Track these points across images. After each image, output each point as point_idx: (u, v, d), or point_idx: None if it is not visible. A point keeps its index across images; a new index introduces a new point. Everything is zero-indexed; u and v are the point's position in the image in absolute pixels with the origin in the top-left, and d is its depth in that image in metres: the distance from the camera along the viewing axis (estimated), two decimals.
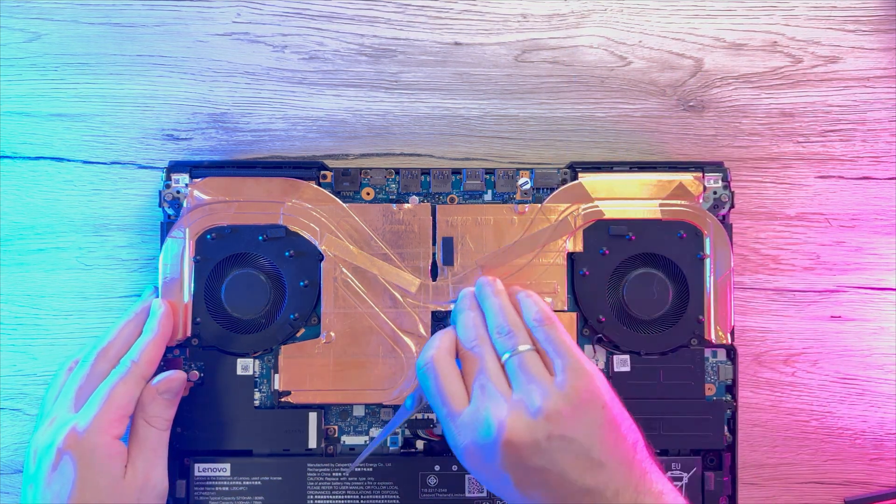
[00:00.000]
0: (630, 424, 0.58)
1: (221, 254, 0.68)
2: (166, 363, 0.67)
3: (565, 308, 0.68)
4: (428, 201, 0.69)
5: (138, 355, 0.64)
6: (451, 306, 0.68)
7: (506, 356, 0.59)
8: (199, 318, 0.68)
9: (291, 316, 0.68)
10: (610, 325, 0.68)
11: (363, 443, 0.69)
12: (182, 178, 0.69)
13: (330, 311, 0.68)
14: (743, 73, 0.73)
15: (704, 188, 0.68)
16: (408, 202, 0.69)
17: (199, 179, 0.68)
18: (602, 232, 0.68)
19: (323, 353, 0.68)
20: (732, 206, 0.69)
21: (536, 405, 0.56)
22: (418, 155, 0.73)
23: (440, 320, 0.68)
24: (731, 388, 0.68)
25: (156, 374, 0.65)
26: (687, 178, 0.68)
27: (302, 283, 0.68)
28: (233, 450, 0.68)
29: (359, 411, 0.69)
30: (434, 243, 0.69)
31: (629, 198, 0.68)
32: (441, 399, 0.59)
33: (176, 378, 0.65)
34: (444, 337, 0.62)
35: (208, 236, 0.68)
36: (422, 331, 0.68)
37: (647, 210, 0.68)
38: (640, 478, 0.56)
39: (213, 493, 0.67)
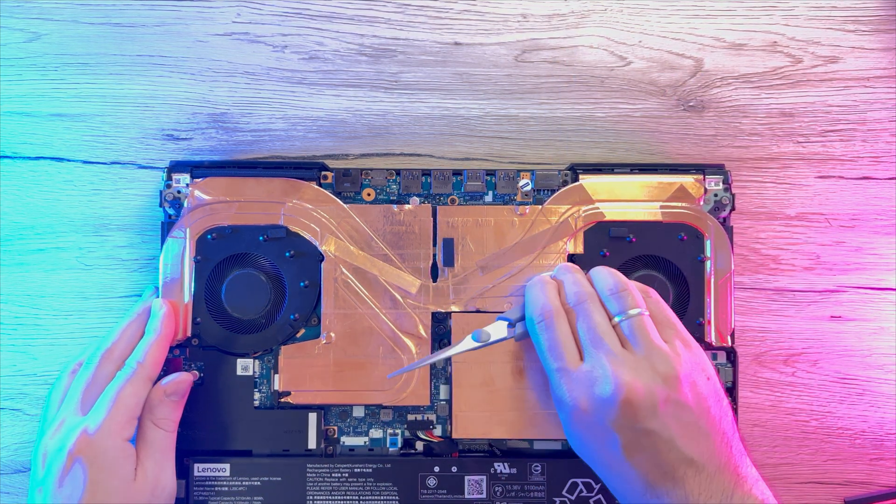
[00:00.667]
0: (727, 402, 0.60)
1: (222, 254, 0.68)
2: (166, 363, 0.67)
3: None
4: (428, 202, 0.69)
5: (143, 356, 0.64)
6: (452, 307, 0.68)
7: (619, 318, 0.60)
8: (200, 319, 0.68)
9: (292, 316, 0.68)
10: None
11: (363, 443, 0.69)
12: (183, 178, 0.69)
13: (330, 311, 0.68)
14: (743, 73, 0.73)
15: (705, 190, 0.69)
16: (408, 203, 0.69)
17: (199, 179, 0.68)
18: (603, 234, 0.68)
19: (323, 353, 0.68)
20: (733, 209, 0.69)
21: (658, 368, 0.57)
22: (418, 155, 0.73)
23: (440, 321, 0.68)
24: (731, 391, 0.68)
25: (160, 375, 0.65)
26: (688, 180, 0.68)
27: (302, 284, 0.68)
28: (232, 450, 0.68)
29: (358, 412, 0.69)
30: (434, 244, 0.69)
31: (630, 200, 0.68)
32: (556, 353, 0.59)
33: (183, 380, 0.65)
34: (551, 291, 0.63)
35: (209, 236, 0.68)
36: (422, 332, 0.68)
37: (648, 212, 0.68)
38: (738, 461, 0.57)
39: (212, 493, 0.67)
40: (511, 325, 0.64)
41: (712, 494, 0.55)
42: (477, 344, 0.63)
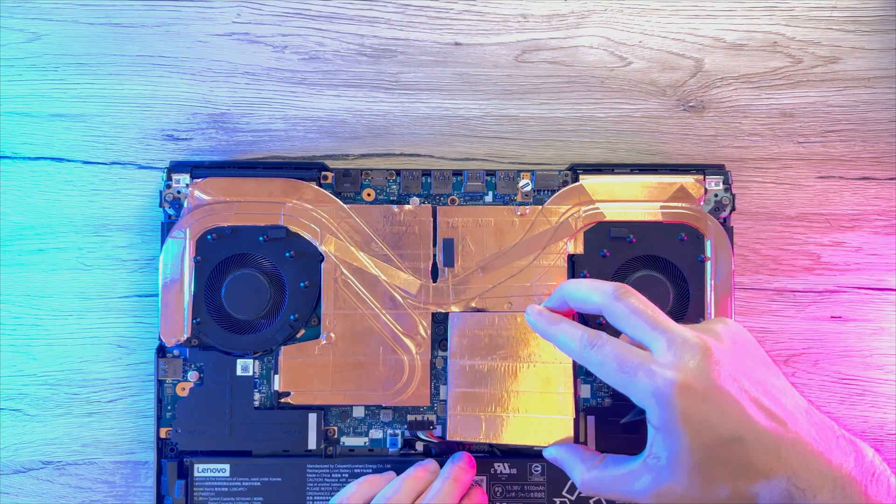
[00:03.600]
0: None
1: (222, 254, 0.68)
2: (165, 364, 0.68)
3: None
4: (428, 202, 0.69)
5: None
6: (452, 307, 0.68)
7: None
8: (199, 319, 0.68)
9: (291, 317, 0.68)
10: (611, 328, 0.67)
11: (363, 444, 0.69)
12: (183, 179, 0.69)
13: (330, 312, 0.68)
14: (743, 73, 0.73)
15: (705, 191, 0.68)
16: (408, 203, 0.69)
17: (199, 180, 0.68)
18: (603, 234, 0.68)
19: (323, 354, 0.68)
20: (733, 209, 0.69)
21: (712, 327, 0.56)
22: (418, 155, 0.73)
23: (440, 322, 0.68)
24: None
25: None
26: (688, 180, 0.68)
27: (302, 284, 0.68)
28: (232, 450, 0.68)
29: (358, 412, 0.69)
30: (435, 245, 0.69)
31: (630, 200, 0.68)
32: (625, 356, 0.55)
33: None
34: (569, 323, 0.59)
35: (209, 237, 0.68)
36: (422, 332, 0.68)
37: (648, 212, 0.68)
38: (808, 401, 0.56)
39: (212, 493, 0.67)
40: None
41: (818, 427, 0.53)
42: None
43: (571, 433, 0.66)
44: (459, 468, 0.65)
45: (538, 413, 0.66)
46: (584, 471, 0.59)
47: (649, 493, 0.54)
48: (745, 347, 0.56)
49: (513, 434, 0.66)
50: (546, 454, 0.63)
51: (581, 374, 0.68)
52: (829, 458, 0.51)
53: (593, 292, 0.58)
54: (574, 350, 0.58)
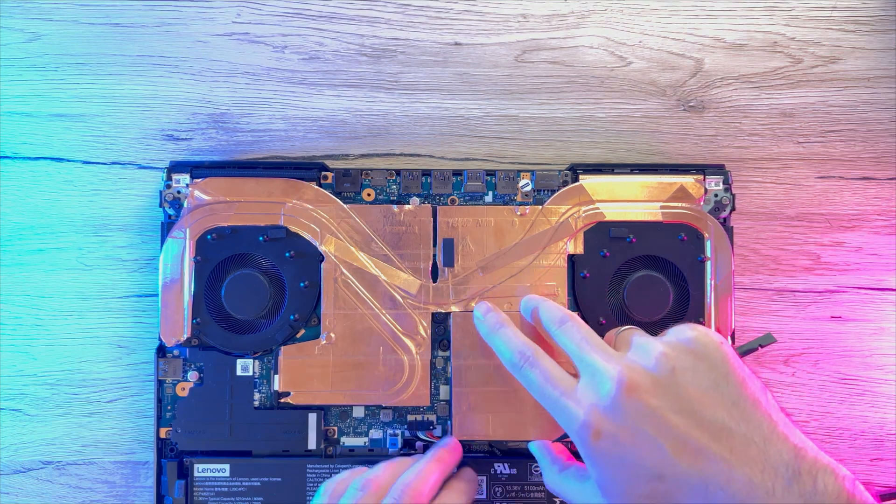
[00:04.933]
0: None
1: (222, 254, 0.68)
2: (165, 364, 0.68)
3: None
4: (428, 202, 0.69)
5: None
6: (452, 307, 0.68)
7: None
8: (199, 319, 0.68)
9: (291, 317, 0.68)
10: (610, 328, 0.67)
11: (363, 444, 0.69)
12: (183, 179, 0.69)
13: (330, 312, 0.68)
14: (743, 73, 0.73)
15: (705, 191, 0.68)
16: (408, 203, 0.69)
17: (199, 180, 0.68)
18: (603, 234, 0.68)
19: (323, 353, 0.68)
20: (733, 209, 0.69)
21: (651, 350, 0.55)
22: (418, 155, 0.73)
23: (440, 322, 0.68)
24: None
25: None
26: (688, 180, 0.68)
27: (302, 284, 0.68)
28: (232, 450, 0.68)
29: (358, 412, 0.69)
30: (435, 245, 0.69)
31: (630, 200, 0.68)
32: (551, 383, 0.57)
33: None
34: (515, 331, 0.62)
35: (209, 237, 0.68)
36: (422, 332, 0.68)
37: (648, 212, 0.68)
38: (772, 424, 0.52)
39: (212, 493, 0.67)
40: None
41: (763, 463, 0.50)
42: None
43: None
44: (443, 449, 0.65)
45: (544, 410, 0.66)
46: (550, 473, 0.61)
47: None
48: (699, 368, 0.54)
49: (519, 432, 0.66)
50: (530, 447, 0.64)
51: None
52: (769, 501, 0.49)
53: (542, 321, 0.62)
54: (507, 362, 0.61)
